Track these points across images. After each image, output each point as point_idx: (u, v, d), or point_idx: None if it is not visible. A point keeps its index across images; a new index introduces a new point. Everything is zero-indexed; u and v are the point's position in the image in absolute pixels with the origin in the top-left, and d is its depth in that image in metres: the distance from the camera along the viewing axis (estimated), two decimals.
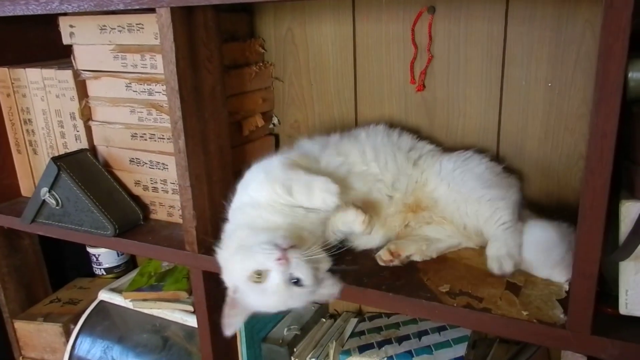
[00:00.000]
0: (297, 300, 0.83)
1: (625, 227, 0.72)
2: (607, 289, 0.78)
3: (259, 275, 0.80)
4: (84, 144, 1.22)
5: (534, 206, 1.00)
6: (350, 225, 0.92)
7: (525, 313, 0.79)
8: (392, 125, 1.13)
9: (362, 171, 0.98)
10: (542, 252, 0.87)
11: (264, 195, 0.89)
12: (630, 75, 0.71)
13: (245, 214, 0.91)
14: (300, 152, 1.00)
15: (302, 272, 0.80)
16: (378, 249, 0.96)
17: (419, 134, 1.12)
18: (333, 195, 0.86)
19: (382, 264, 0.93)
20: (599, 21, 0.63)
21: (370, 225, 0.92)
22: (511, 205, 0.93)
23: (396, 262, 0.93)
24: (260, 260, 0.80)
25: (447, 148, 1.07)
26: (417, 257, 0.95)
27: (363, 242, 0.98)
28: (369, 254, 0.97)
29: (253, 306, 0.85)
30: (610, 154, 0.65)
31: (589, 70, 0.95)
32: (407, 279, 0.90)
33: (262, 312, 0.85)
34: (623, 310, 0.75)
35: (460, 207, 0.95)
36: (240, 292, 0.85)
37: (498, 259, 0.88)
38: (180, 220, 1.08)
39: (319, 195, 0.86)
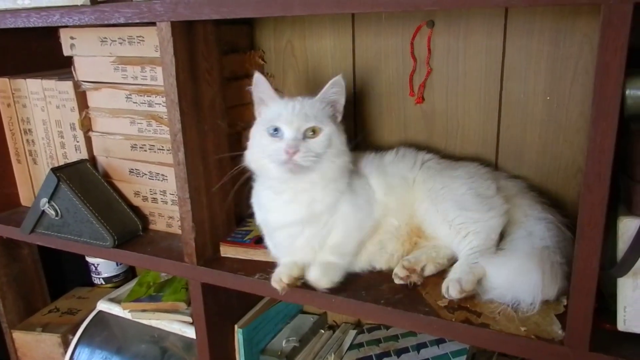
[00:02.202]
0: None
1: (623, 243, 0.71)
2: (605, 304, 0.78)
3: None
4: (84, 155, 1.22)
5: None
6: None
7: (523, 329, 0.79)
8: (391, 135, 1.14)
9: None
10: (514, 276, 0.83)
11: None
12: (627, 92, 0.71)
13: None
14: None
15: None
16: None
17: (417, 147, 1.12)
18: None
19: (400, 282, 0.91)
20: (597, 36, 0.63)
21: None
22: (486, 229, 0.91)
23: (414, 278, 0.91)
24: None
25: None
26: (431, 268, 0.93)
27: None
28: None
29: None
30: (607, 170, 0.65)
31: (587, 83, 0.96)
32: (406, 292, 0.90)
33: None
34: (621, 326, 0.75)
35: (436, 228, 0.95)
36: None
37: (446, 282, 0.87)
38: (179, 231, 1.08)
39: None
